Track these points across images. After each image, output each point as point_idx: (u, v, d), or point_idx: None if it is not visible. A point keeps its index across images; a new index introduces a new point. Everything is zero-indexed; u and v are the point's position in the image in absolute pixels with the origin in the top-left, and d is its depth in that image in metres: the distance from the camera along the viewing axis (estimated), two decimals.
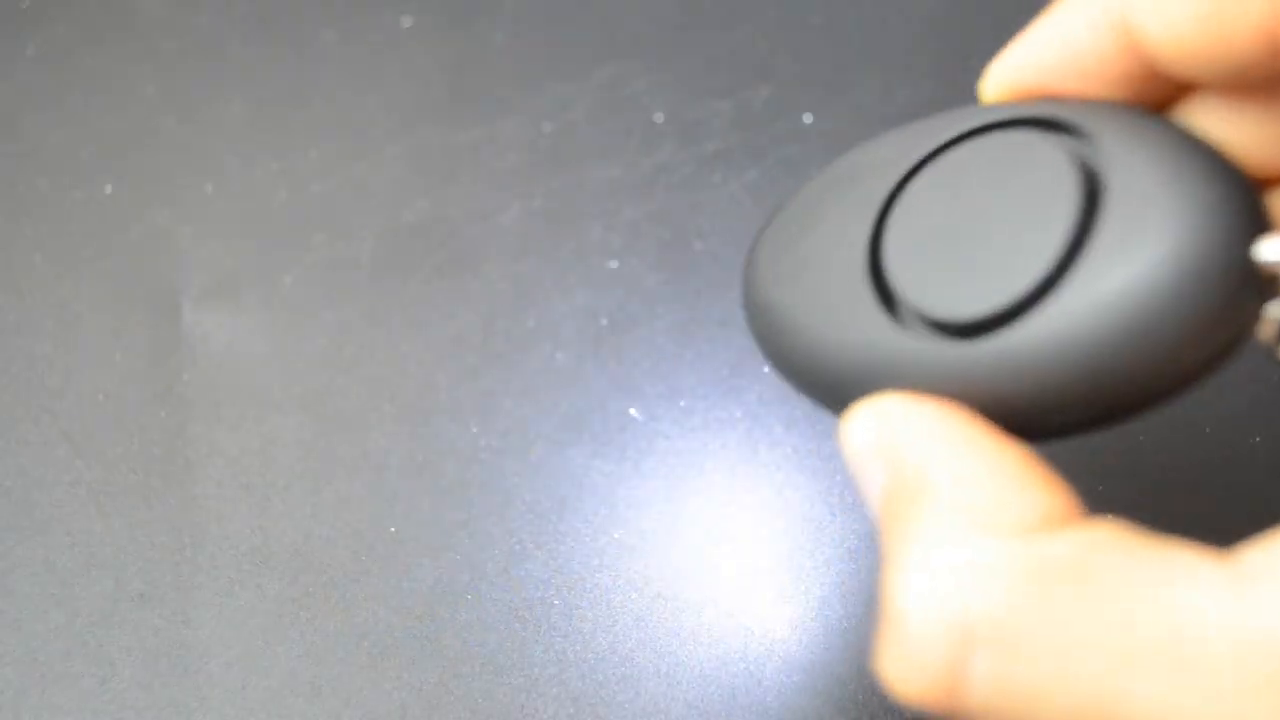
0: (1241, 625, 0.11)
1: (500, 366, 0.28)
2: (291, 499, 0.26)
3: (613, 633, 0.24)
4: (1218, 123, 0.15)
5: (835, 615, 0.24)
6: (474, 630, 0.24)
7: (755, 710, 0.23)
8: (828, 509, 0.26)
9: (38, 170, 0.31)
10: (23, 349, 0.28)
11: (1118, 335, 0.13)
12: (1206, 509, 0.25)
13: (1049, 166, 0.14)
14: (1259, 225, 0.13)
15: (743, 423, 0.27)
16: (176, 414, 0.27)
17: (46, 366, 0.28)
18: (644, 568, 0.25)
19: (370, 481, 0.26)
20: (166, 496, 0.26)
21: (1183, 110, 0.16)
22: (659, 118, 0.32)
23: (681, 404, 0.27)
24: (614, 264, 0.29)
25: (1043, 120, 0.15)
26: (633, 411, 0.27)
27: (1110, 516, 0.13)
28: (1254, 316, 0.13)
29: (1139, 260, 0.13)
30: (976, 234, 0.15)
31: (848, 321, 0.16)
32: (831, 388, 0.16)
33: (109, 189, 0.31)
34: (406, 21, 0.34)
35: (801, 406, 0.27)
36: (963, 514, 0.13)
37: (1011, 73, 0.17)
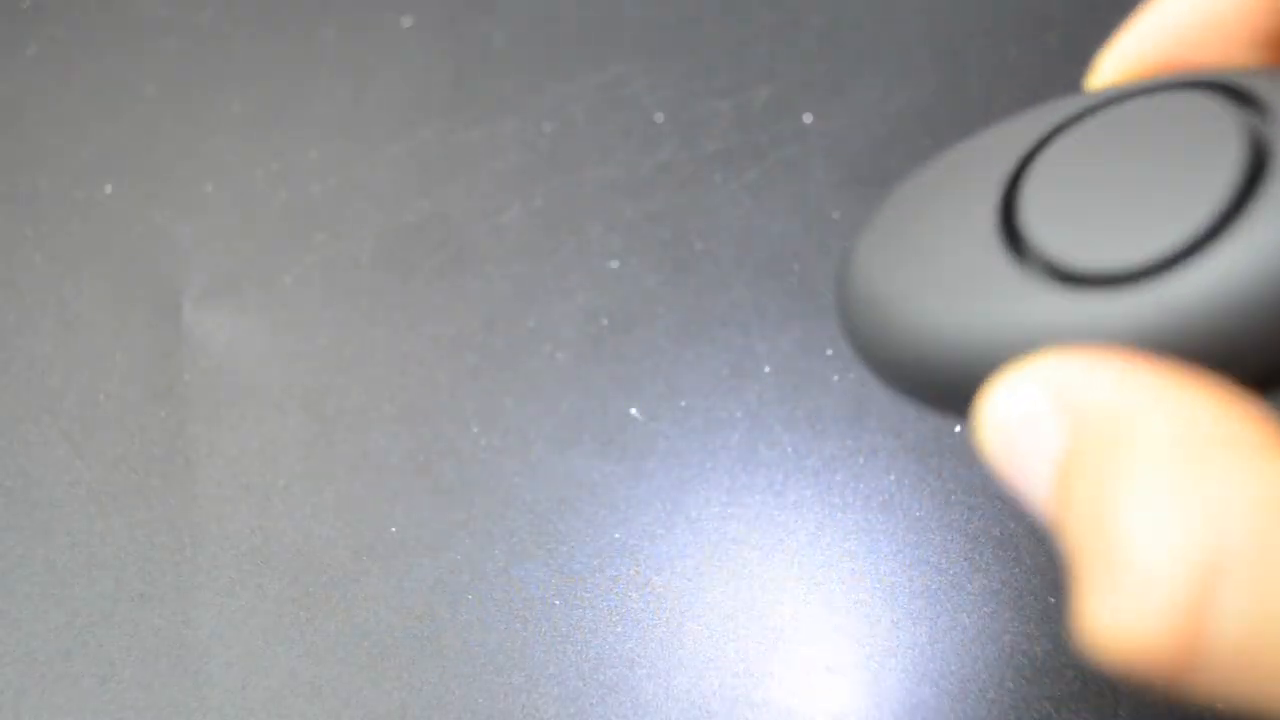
0: None
1: (500, 366, 0.28)
2: (291, 499, 0.26)
3: (613, 633, 0.24)
4: None
5: (838, 611, 0.24)
6: (474, 630, 0.24)
7: (756, 710, 0.23)
8: (827, 508, 0.26)
9: (38, 170, 0.31)
10: (23, 349, 0.28)
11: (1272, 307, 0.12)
12: None
13: (1212, 127, 0.13)
14: None
15: (743, 423, 0.27)
16: (176, 414, 0.27)
17: (46, 366, 0.28)
18: (644, 568, 0.25)
19: (370, 481, 0.26)
20: (166, 496, 0.26)
21: None
22: (659, 118, 0.32)
23: (681, 404, 0.27)
24: (614, 264, 0.29)
25: (1204, 84, 0.14)
26: (633, 411, 0.27)
27: None
28: None
29: None
30: (1126, 190, 0.14)
31: (980, 289, 0.14)
32: (964, 369, 0.14)
33: (109, 189, 0.31)
34: (406, 21, 0.34)
35: (802, 407, 0.27)
36: (1184, 446, 0.11)
37: (1139, 43, 0.15)
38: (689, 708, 0.23)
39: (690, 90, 0.32)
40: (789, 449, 0.26)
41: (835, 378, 0.27)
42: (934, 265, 0.15)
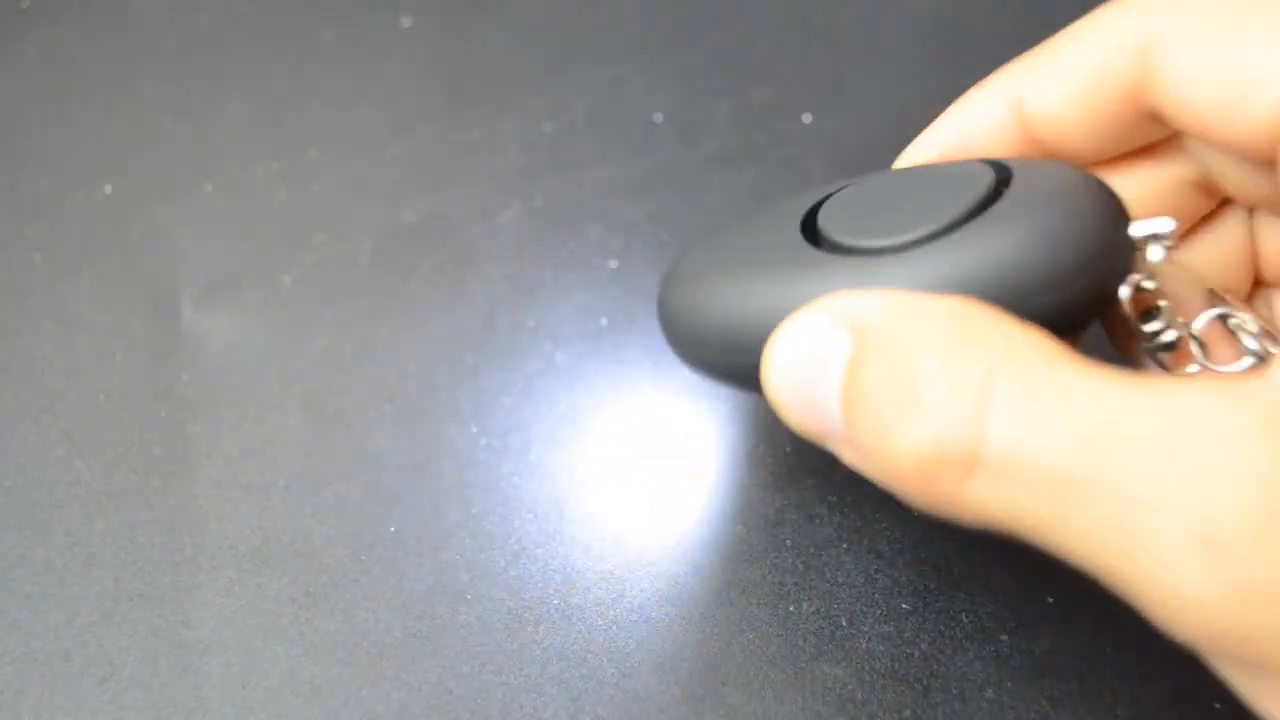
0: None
1: (500, 366, 0.28)
2: (291, 499, 0.26)
3: (613, 633, 0.24)
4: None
5: (840, 609, 0.24)
6: (474, 630, 0.24)
7: (757, 711, 0.23)
8: (827, 507, 0.26)
9: (38, 170, 0.31)
10: (23, 349, 0.28)
11: (999, 268, 0.16)
12: None
13: (967, 176, 0.18)
14: (1120, 215, 0.17)
15: (742, 422, 0.27)
16: (176, 414, 0.27)
17: (46, 366, 0.28)
18: (643, 567, 0.25)
19: (370, 481, 0.26)
20: (166, 496, 0.26)
21: None
22: (659, 118, 0.32)
23: (681, 404, 0.27)
24: (614, 264, 0.29)
25: (971, 160, 0.20)
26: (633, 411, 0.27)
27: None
28: (1104, 281, 0.17)
29: (1029, 213, 0.17)
30: (900, 206, 0.18)
31: (779, 269, 0.18)
32: (767, 332, 0.17)
33: (109, 189, 0.31)
34: (406, 21, 0.34)
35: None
36: (955, 318, 0.15)
37: (925, 149, 0.22)
38: (690, 707, 0.23)
39: (690, 90, 0.32)
40: (788, 449, 0.26)
41: None
42: (743, 261, 0.19)
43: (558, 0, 0.34)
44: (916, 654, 0.24)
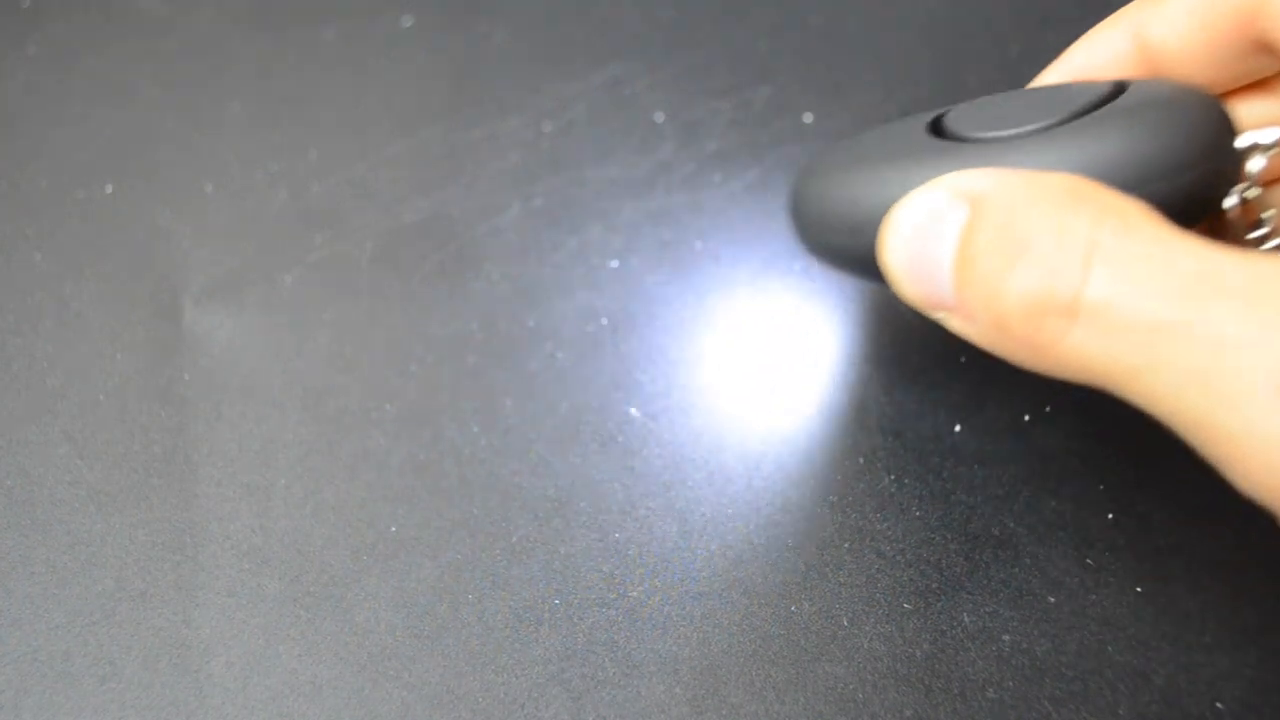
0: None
1: (500, 366, 0.28)
2: (291, 499, 0.26)
3: (613, 632, 0.24)
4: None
5: (841, 609, 0.24)
6: (475, 630, 0.24)
7: (758, 711, 0.23)
8: (827, 507, 0.26)
9: (38, 170, 0.31)
10: (23, 349, 0.28)
11: (1110, 156, 0.17)
12: None
13: (1089, 85, 0.20)
14: (1225, 122, 0.18)
15: (742, 422, 0.27)
16: (176, 414, 0.27)
17: (46, 366, 0.28)
18: (643, 567, 0.25)
19: (370, 481, 0.26)
20: (166, 496, 0.26)
21: None
22: (659, 118, 0.32)
23: (681, 404, 0.27)
24: (614, 264, 0.29)
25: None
26: (632, 411, 0.27)
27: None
28: (1208, 180, 0.18)
29: (1141, 110, 0.18)
30: (1025, 108, 0.19)
31: (906, 161, 0.19)
32: (889, 205, 0.18)
33: (109, 189, 0.31)
34: (406, 21, 0.34)
35: (800, 410, 0.27)
36: (1066, 186, 0.16)
37: (1053, 76, 0.23)
38: (690, 707, 0.23)
39: (690, 90, 0.32)
40: (788, 448, 0.26)
41: (836, 377, 0.27)
42: (871, 153, 0.20)
43: (558, 0, 0.34)
44: (918, 654, 0.24)
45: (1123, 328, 0.15)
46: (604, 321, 0.28)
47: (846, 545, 0.25)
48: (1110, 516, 0.25)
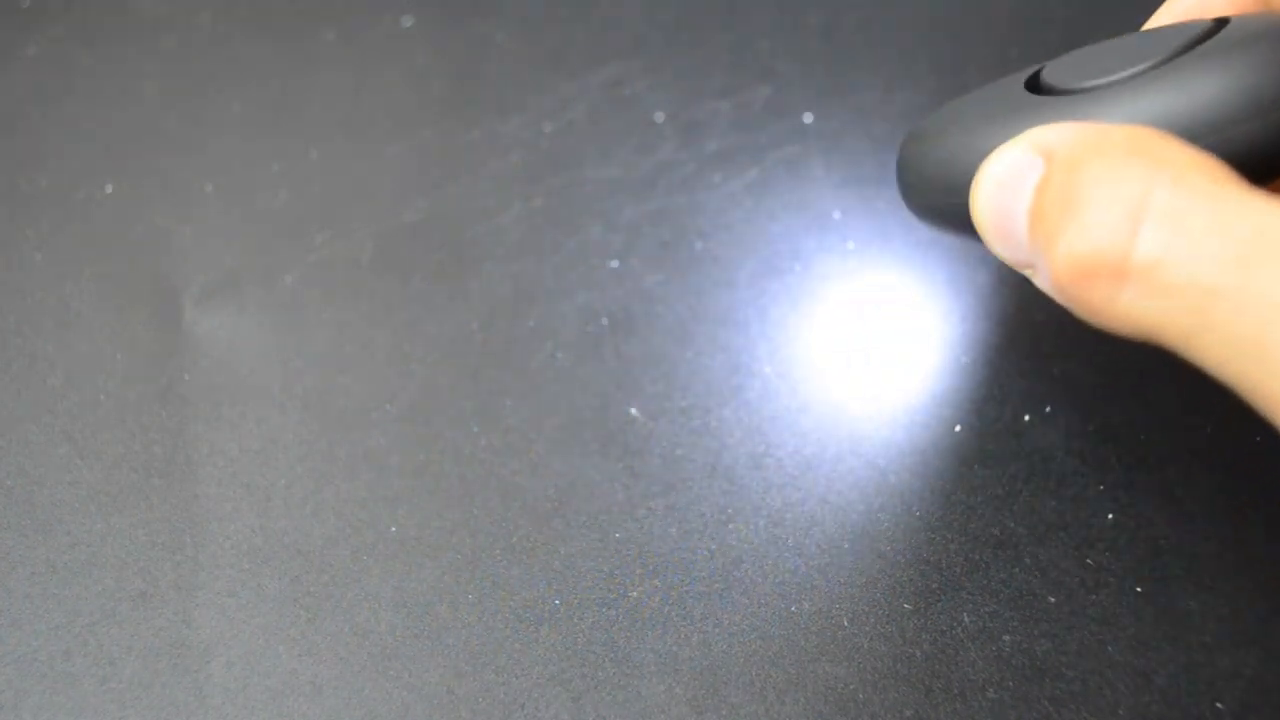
0: None
1: (500, 366, 0.28)
2: (291, 499, 0.26)
3: (613, 633, 0.24)
4: None
5: (841, 609, 0.24)
6: (475, 630, 0.24)
7: (758, 711, 0.23)
8: (827, 506, 0.26)
9: (38, 170, 0.31)
10: (23, 349, 0.28)
11: (1194, 98, 0.17)
12: None
13: (1188, 25, 0.19)
14: None
15: (746, 423, 0.27)
16: (176, 414, 0.27)
17: (46, 366, 0.28)
18: (643, 567, 0.25)
19: (370, 481, 0.26)
20: (166, 496, 0.26)
21: None
22: (659, 118, 0.32)
23: (681, 404, 0.27)
24: (614, 264, 0.29)
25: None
26: (633, 411, 0.27)
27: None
28: None
29: (1229, 49, 0.17)
30: (1120, 54, 0.19)
31: (1003, 115, 0.19)
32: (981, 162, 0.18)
33: (109, 189, 0.31)
34: (406, 21, 0.34)
35: (800, 410, 0.27)
36: (1130, 142, 0.16)
37: (1166, 16, 0.22)
38: (691, 707, 0.23)
39: (690, 90, 0.32)
40: (788, 448, 0.26)
41: (836, 377, 0.27)
42: (969, 111, 0.20)
43: (558, 0, 0.34)
44: (918, 654, 0.24)
45: (1173, 290, 0.14)
46: (604, 321, 0.28)
47: (846, 545, 0.25)
48: (1110, 516, 0.25)
